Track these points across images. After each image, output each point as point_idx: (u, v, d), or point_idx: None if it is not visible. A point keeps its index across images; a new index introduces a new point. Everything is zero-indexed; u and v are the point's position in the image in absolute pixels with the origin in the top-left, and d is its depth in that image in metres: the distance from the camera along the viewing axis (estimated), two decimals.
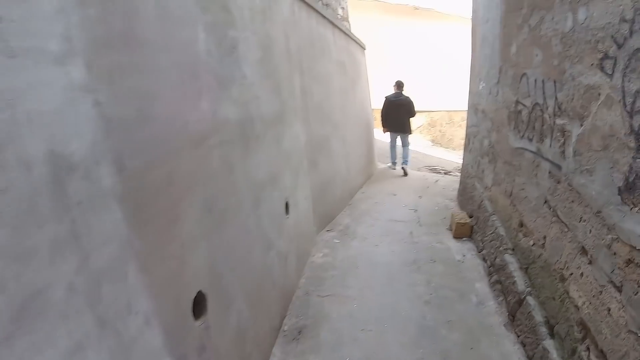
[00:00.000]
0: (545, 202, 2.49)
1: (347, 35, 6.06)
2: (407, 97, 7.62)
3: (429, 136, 13.49)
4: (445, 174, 8.49)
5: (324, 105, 4.47)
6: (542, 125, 2.52)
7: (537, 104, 2.61)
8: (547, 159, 2.46)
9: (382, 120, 7.72)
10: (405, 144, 7.92)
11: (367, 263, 3.60)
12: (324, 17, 4.82)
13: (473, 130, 4.98)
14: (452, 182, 7.09)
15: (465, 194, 5.10)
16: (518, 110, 2.96)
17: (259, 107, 2.38)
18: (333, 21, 5.18)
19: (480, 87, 4.36)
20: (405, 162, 7.88)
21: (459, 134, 13.74)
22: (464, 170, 5.41)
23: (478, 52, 4.59)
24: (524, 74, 2.82)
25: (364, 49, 7.42)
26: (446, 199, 5.92)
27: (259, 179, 2.35)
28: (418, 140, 13.09)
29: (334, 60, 5.12)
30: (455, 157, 11.77)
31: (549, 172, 2.42)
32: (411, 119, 7.73)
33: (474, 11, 4.95)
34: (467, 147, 5.48)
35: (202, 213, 1.64)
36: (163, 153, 1.39)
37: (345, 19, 7.73)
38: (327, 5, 6.40)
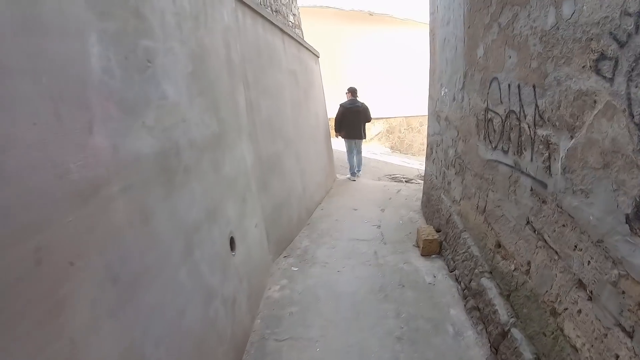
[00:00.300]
0: (528, 223, 2.21)
1: (299, 43, 5.72)
2: (363, 103, 7.81)
3: (387, 143, 13.38)
4: (406, 182, 8.29)
5: (275, 119, 4.08)
6: (520, 136, 2.24)
7: (512, 111, 2.34)
8: (528, 175, 2.18)
9: (336, 127, 7.81)
10: (359, 151, 8.08)
11: (329, 294, 3.22)
12: (272, 24, 4.44)
13: (436, 139, 4.74)
14: (415, 192, 6.88)
15: (430, 206, 4.84)
16: (489, 119, 2.69)
17: (187, 131, 1.96)
18: (283, 28, 4.82)
19: (443, 93, 4.12)
20: (358, 170, 8.13)
21: (418, 139, 13.73)
22: (428, 180, 5.17)
23: (438, 56, 4.36)
24: (495, 79, 2.56)
25: (318, 57, 7.11)
26: (410, 210, 5.66)
27: (192, 219, 1.91)
28: (377, 148, 12.94)
29: (284, 70, 4.74)
30: (415, 164, 11.68)
31: (531, 190, 2.14)
32: (367, 125, 7.97)
33: (431, 13, 4.73)
34: (429, 157, 5.24)
35: (103, 286, 1.21)
36: (24, 222, 0.96)
37: (297, 26, 7.40)
38: (276, 11, 6.04)
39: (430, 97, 5.07)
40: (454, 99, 3.61)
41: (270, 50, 4.28)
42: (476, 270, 2.96)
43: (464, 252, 3.26)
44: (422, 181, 8.66)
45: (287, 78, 4.80)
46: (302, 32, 7.43)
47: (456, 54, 3.45)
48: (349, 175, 8.36)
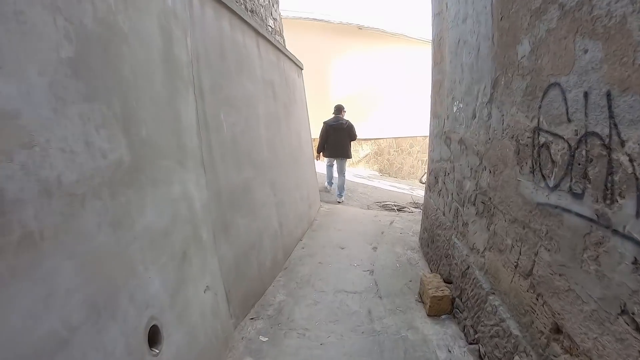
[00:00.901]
0: (624, 312, 1.39)
1: (279, 50, 4.93)
2: (347, 120, 7.65)
3: (376, 166, 12.62)
4: (399, 210, 7.48)
5: (242, 140, 3.23)
6: (611, 174, 1.43)
7: (591, 134, 1.53)
8: (627, 236, 1.36)
9: (319, 146, 7.71)
10: (342, 171, 7.71)
11: None
12: (244, 21, 3.64)
13: (443, 166, 3.95)
14: (410, 223, 6.06)
15: (435, 248, 4.00)
16: (541, 144, 1.89)
17: (39, 165, 1.09)
18: (258, 29, 4.02)
19: (455, 109, 3.34)
20: (340, 194, 7.73)
21: (408, 161, 13.01)
22: (431, 215, 4.34)
23: (448, 64, 3.59)
24: (554, 85, 1.76)
25: (302, 69, 6.34)
26: (407, 248, 4.82)
27: (43, 331, 1.03)
28: (365, 171, 12.17)
29: (259, 80, 3.92)
30: (406, 188, 10.92)
31: (635, 262, 1.32)
32: (354, 146, 8.11)
33: (436, 14, 3.99)
34: (432, 186, 4.43)
35: None
36: None
37: (279, 33, 6.63)
38: (252, 11, 5.25)
39: (435, 116, 4.30)
40: (474, 116, 2.82)
41: (239, 53, 3.46)
42: (516, 357, 2.11)
43: (493, 325, 2.41)
44: (416, 209, 7.90)
45: (261, 89, 3.97)
46: (284, 40, 6.66)
47: (478, 57, 2.67)
48: (326, 184, 8.14)
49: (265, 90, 4.07)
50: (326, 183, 8.27)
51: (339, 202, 7.79)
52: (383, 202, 8.13)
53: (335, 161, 7.83)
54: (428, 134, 4.85)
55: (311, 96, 11.45)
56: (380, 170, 12.66)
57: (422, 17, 10.63)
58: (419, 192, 10.87)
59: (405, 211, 7.50)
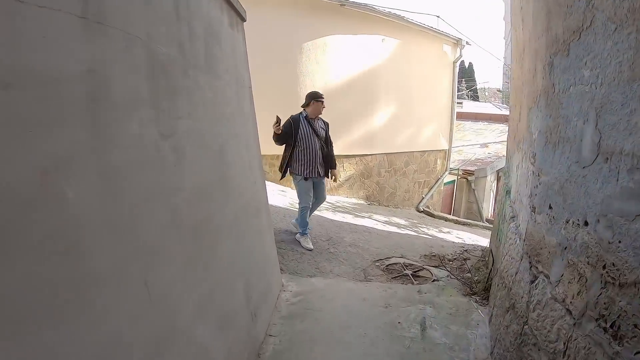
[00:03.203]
0: None
1: None
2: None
3: (362, 192, 9.73)
4: (415, 276, 4.62)
5: None
6: None
7: None
8: None
9: (283, 159, 5.10)
10: (321, 196, 5.28)
11: None
12: None
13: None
14: (450, 314, 3.17)
15: None
16: None
17: None
18: None
19: None
20: (304, 229, 5.19)
21: (403, 184, 10.22)
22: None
23: None
24: None
25: (243, 21, 3.38)
26: None
27: None
28: (347, 201, 9.27)
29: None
30: (405, 224, 8.07)
31: None
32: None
33: None
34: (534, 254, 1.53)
35: None
36: None
37: None
38: None
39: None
40: None
41: None
42: None
43: None
44: (437, 268, 5.06)
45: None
46: None
47: None
48: (298, 235, 5.26)
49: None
50: (299, 234, 5.28)
51: (310, 249, 5.00)
52: (386, 258, 5.22)
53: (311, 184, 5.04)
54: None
55: (276, 96, 8.57)
56: (367, 198, 9.79)
57: None
58: (427, 230, 8.12)
59: (425, 278, 4.63)
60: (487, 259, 5.29)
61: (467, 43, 12.35)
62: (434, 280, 4.60)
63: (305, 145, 4.82)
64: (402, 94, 10.13)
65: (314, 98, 4.82)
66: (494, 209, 17.52)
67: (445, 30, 11.46)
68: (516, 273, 2.66)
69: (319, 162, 4.90)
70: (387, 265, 5.00)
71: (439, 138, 11.64)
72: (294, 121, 4.83)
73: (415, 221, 9.04)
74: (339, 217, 7.26)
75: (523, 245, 2.59)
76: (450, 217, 11.72)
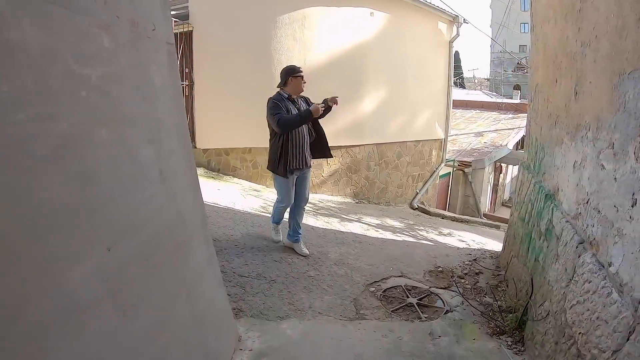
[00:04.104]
0: None
1: None
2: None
3: (349, 188, 8.60)
4: (420, 305, 3.57)
5: None
6: None
7: None
8: None
9: (272, 154, 4.11)
10: (304, 196, 4.39)
11: None
12: None
13: None
14: None
15: None
16: None
17: None
18: None
19: None
20: (297, 235, 4.48)
21: (395, 178, 9.12)
22: None
23: None
24: None
25: None
26: None
27: None
28: (332, 200, 8.13)
29: None
30: (401, 226, 6.98)
31: None
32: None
33: None
34: None
35: None
36: None
37: None
38: None
39: None
40: None
41: None
42: None
43: None
44: (446, 290, 3.93)
45: None
46: None
47: None
48: (277, 237, 4.61)
49: None
50: (275, 234, 4.64)
51: (305, 255, 4.39)
52: (382, 280, 4.11)
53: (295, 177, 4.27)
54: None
55: (247, 78, 7.38)
56: (355, 195, 8.67)
57: None
58: (425, 234, 7.04)
59: (435, 308, 3.56)
60: (504, 274, 4.28)
61: (464, 21, 11.25)
62: (446, 312, 3.52)
63: (295, 132, 4.03)
64: (394, 76, 8.98)
65: (291, 74, 4.02)
66: (491, 203, 16.60)
67: (439, 6, 10.33)
68: (616, 351, 1.58)
69: (307, 149, 4.18)
70: (384, 291, 3.87)
71: (434, 126, 10.53)
72: (280, 103, 3.96)
73: (411, 222, 7.96)
74: (321, 222, 6.13)
75: (635, 309, 1.50)
76: (447, 213, 10.79)
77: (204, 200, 2.32)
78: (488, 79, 43.48)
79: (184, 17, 7.73)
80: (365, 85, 8.45)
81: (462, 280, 4.36)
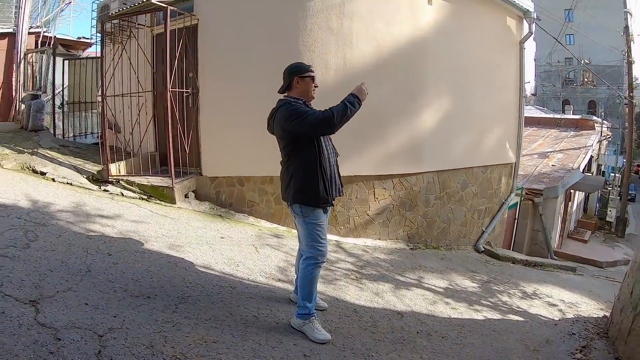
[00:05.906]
0: None
1: None
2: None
3: (401, 230, 6.58)
4: None
5: None
6: None
7: None
8: None
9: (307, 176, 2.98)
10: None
11: None
12: None
13: None
14: None
15: None
16: None
17: None
18: None
19: None
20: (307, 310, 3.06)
21: (459, 214, 7.08)
22: None
23: None
24: None
25: None
26: None
27: None
28: (380, 247, 6.10)
29: None
30: (473, 286, 4.92)
31: None
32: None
33: None
34: None
35: None
36: None
37: None
38: None
39: None
40: None
41: None
42: None
43: None
44: None
45: None
46: None
47: None
48: (298, 322, 3.10)
49: None
50: (306, 306, 3.14)
51: (325, 340, 3.01)
52: None
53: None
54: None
55: (265, 82, 5.51)
56: (409, 239, 6.65)
57: None
58: (508, 299, 5.00)
59: None
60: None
61: (537, 17, 9.23)
62: None
63: (325, 145, 3.08)
64: (458, 83, 7.02)
65: (297, 73, 3.10)
66: (559, 237, 14.15)
67: None
68: None
69: (337, 174, 3.20)
70: None
71: (505, 147, 8.43)
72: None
73: (484, 277, 5.90)
74: (368, 294, 4.14)
75: None
76: (518, 256, 8.79)
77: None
78: (534, 94, 41.11)
79: (187, 9, 6.06)
80: (425, 95, 6.48)
81: None
